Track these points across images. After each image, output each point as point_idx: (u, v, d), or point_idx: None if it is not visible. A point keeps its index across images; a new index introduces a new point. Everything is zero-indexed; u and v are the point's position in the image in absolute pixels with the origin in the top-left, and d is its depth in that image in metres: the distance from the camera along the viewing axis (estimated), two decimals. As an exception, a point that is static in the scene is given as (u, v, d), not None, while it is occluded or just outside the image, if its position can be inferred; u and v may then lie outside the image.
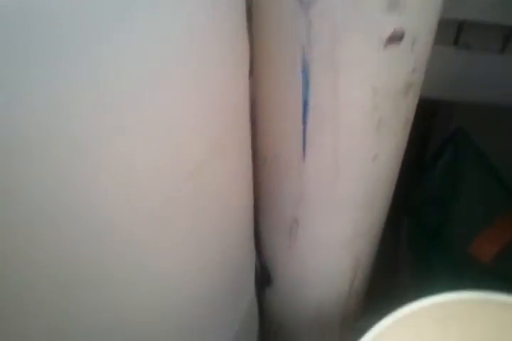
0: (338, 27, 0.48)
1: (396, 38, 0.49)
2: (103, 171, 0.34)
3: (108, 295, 0.41)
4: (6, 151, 0.29)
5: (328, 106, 0.55)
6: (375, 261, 0.88)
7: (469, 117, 0.96)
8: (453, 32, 0.86)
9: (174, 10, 0.34)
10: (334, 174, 0.62)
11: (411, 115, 0.61)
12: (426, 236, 0.88)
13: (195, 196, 0.45)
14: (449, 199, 0.81)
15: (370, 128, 0.58)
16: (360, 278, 0.84)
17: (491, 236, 0.73)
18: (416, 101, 0.61)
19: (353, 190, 0.65)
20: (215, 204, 0.50)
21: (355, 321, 0.95)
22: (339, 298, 0.88)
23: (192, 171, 0.43)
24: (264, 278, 0.87)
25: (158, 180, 0.40)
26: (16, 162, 0.30)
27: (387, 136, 0.60)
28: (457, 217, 0.79)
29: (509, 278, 0.69)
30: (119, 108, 0.33)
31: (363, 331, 0.53)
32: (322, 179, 0.63)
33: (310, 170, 0.63)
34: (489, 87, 0.88)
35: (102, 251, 0.38)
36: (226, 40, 0.44)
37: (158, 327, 0.49)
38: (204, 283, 0.54)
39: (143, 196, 0.39)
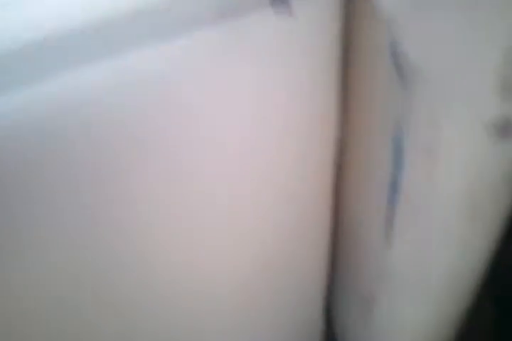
0: (439, 112, 0.44)
1: (506, 128, 0.43)
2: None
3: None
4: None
5: (420, 194, 0.50)
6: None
7: None
8: None
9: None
10: (420, 264, 0.57)
11: (510, 202, 0.54)
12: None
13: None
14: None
15: (463, 218, 0.52)
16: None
17: None
18: None
19: (438, 281, 0.59)
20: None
21: None
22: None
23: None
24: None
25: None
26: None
27: (482, 225, 0.54)
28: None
29: None
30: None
31: None
32: (406, 266, 0.58)
33: (393, 257, 0.57)
34: None
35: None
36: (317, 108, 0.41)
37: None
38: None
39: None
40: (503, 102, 0.41)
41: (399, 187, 0.50)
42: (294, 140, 0.42)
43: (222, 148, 0.37)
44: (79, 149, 0.31)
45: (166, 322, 0.42)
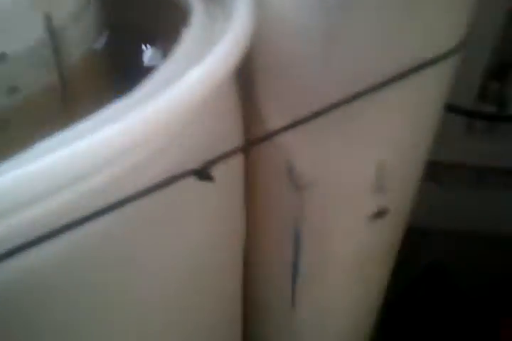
0: (329, 206, 0.54)
1: (381, 213, 0.54)
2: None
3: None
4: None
5: (317, 267, 0.60)
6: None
7: (446, 250, 0.99)
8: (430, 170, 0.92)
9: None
10: (321, 319, 0.66)
11: (392, 265, 0.65)
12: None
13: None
14: (427, 333, 0.80)
15: (354, 282, 0.62)
16: None
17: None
18: (397, 253, 0.65)
19: (339, 334, 0.69)
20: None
21: None
22: None
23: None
24: None
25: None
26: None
27: (371, 286, 0.64)
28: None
29: None
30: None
31: None
32: (310, 322, 0.66)
33: (298, 315, 0.65)
34: (462, 217, 0.92)
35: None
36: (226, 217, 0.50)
37: None
38: None
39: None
40: (376, 198, 0.53)
41: (298, 263, 0.59)
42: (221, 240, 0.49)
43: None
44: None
45: None
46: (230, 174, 0.46)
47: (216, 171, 0.36)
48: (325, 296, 0.63)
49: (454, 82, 0.52)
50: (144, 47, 0.55)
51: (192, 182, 0.35)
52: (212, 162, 0.33)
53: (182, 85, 0.33)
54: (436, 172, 0.96)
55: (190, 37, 0.41)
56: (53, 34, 0.44)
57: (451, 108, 0.77)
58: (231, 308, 0.61)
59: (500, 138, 0.91)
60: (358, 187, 0.52)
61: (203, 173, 0.33)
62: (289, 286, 0.62)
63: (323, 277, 0.61)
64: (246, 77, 0.49)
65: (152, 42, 0.56)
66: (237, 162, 0.48)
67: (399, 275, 0.83)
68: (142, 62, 0.56)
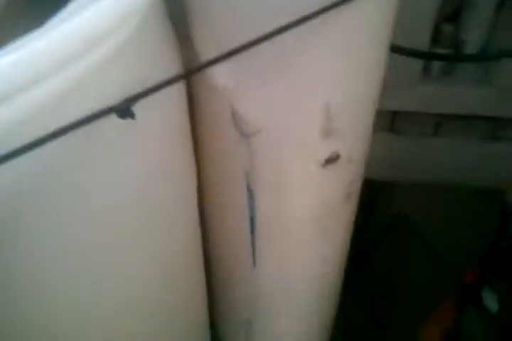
0: (278, 154, 0.51)
1: (333, 159, 0.52)
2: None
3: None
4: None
5: (274, 222, 0.58)
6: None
7: (408, 202, 0.99)
8: (388, 120, 0.90)
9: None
10: (285, 279, 0.64)
11: (353, 217, 0.64)
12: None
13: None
14: (393, 284, 0.79)
15: (315, 235, 0.60)
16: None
17: (436, 321, 0.70)
18: (356, 205, 0.63)
19: (304, 294, 0.67)
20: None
21: None
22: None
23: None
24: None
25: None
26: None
27: (332, 239, 0.62)
28: (404, 302, 0.76)
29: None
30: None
31: None
32: (273, 283, 0.65)
33: (260, 275, 0.63)
34: (422, 167, 0.92)
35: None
36: (176, 172, 0.49)
37: None
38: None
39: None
40: (326, 143, 0.51)
41: (255, 218, 0.57)
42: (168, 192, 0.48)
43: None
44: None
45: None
46: (168, 112, 0.44)
47: (148, 109, 0.34)
48: (285, 252, 0.62)
49: (396, 18, 0.50)
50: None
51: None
52: (133, 98, 0.31)
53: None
54: (393, 121, 0.95)
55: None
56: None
57: (405, 51, 0.76)
58: (192, 255, 0.59)
59: (456, 82, 0.90)
60: (306, 132, 0.50)
61: (122, 110, 0.30)
62: (248, 244, 0.60)
63: (281, 231, 0.59)
64: (180, 13, 0.46)
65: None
66: (176, 98, 0.45)
67: (364, 229, 0.83)
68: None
